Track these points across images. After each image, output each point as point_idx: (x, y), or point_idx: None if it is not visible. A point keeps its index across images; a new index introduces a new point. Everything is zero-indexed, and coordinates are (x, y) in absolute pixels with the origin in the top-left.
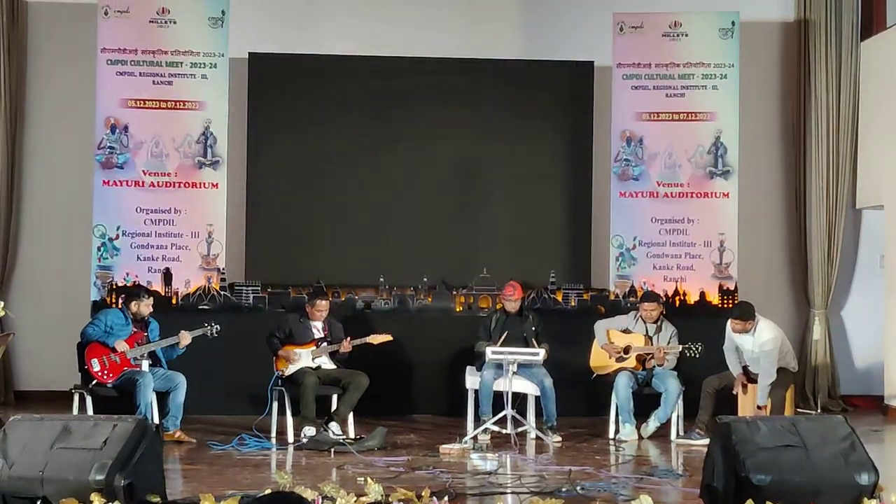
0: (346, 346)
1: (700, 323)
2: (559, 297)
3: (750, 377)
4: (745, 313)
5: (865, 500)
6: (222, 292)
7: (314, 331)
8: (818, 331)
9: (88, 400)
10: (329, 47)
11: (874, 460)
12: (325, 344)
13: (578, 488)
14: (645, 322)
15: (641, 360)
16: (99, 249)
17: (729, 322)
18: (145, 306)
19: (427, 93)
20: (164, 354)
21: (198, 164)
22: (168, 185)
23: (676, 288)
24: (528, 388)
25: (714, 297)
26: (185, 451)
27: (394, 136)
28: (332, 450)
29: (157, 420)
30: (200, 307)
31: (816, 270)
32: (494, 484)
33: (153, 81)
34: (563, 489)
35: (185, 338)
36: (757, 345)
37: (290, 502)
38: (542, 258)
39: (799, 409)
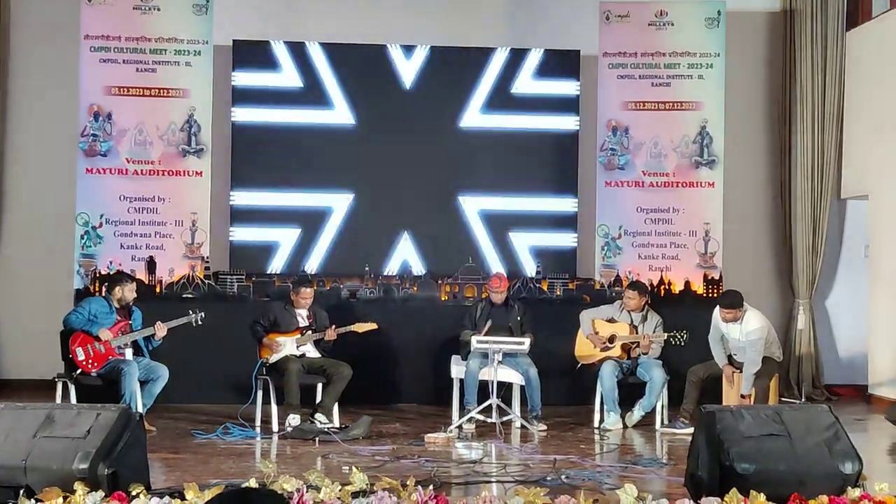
0: (330, 333)
1: (685, 312)
2: (545, 287)
3: (735, 366)
4: (734, 302)
5: (849, 488)
6: (206, 281)
7: (299, 319)
8: (802, 320)
9: (72, 388)
10: (313, 35)
11: (858, 449)
12: (309, 332)
13: (563, 477)
14: (630, 311)
15: (626, 349)
16: (82, 237)
17: (716, 311)
18: (129, 291)
19: (412, 81)
20: (144, 344)
21: (182, 152)
22: (152, 173)
23: (661, 277)
24: (513, 377)
25: (699, 287)
26: (169, 440)
27: (378, 123)
28: (317, 439)
29: (141, 409)
30: (184, 296)
31: (801, 260)
32: (479, 473)
33: (137, 69)
34: (548, 478)
35: (161, 329)
36: (744, 334)
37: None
38: (528, 247)
39: (783, 399)
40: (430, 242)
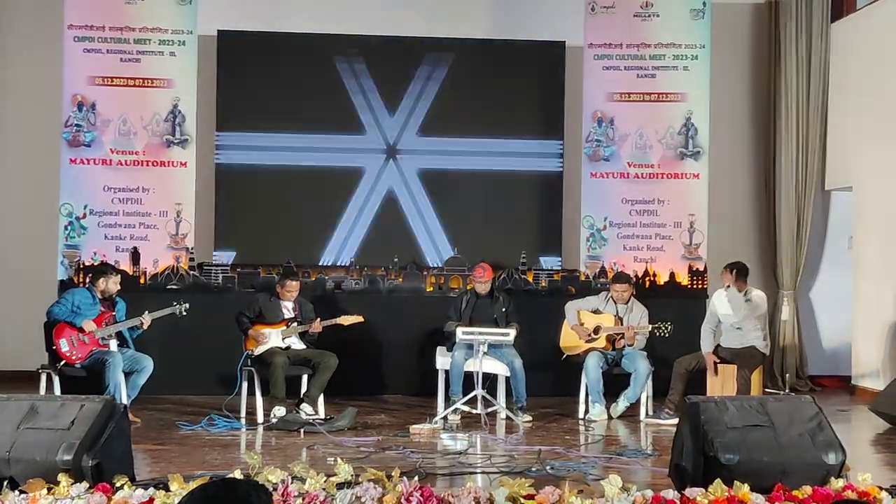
0: (316, 326)
1: (670, 303)
2: (530, 278)
3: (721, 357)
4: (744, 271)
5: (832, 479)
6: (191, 272)
7: (284, 311)
8: (786, 311)
9: (56, 380)
10: (298, 25)
11: (841, 440)
12: (295, 324)
13: (548, 468)
14: (615, 302)
15: (611, 340)
16: (66, 228)
17: (717, 294)
18: (113, 283)
19: (397, 72)
20: (129, 334)
21: (166, 143)
22: (136, 163)
23: (646, 268)
24: (498, 368)
25: (684, 278)
26: (154, 432)
27: (363, 114)
28: (302, 430)
29: (125, 400)
30: (169, 287)
31: (785, 251)
32: (464, 464)
33: (121, 59)
34: (533, 469)
35: (147, 320)
36: (751, 298)
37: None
38: (513, 238)
39: (767, 390)
40: (415, 233)
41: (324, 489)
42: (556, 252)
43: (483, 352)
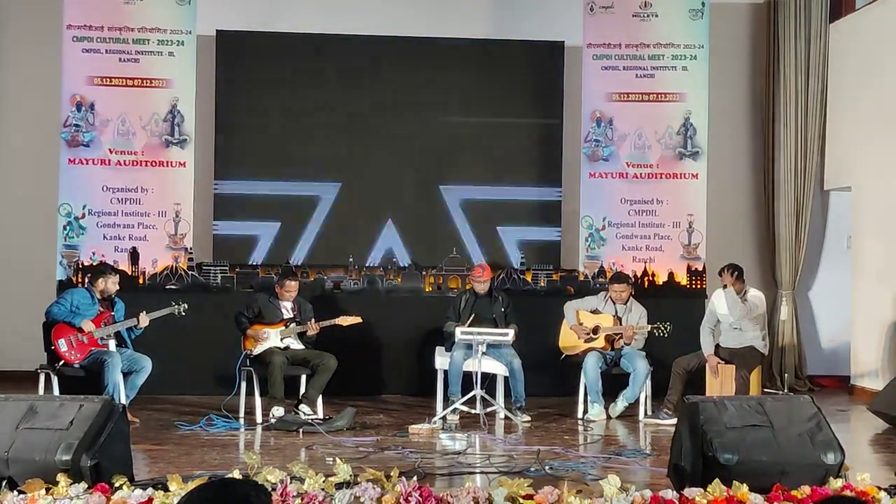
0: (314, 327)
1: (668, 303)
2: (529, 278)
3: (721, 357)
4: (741, 271)
5: (831, 479)
6: (190, 272)
7: (283, 311)
8: (785, 311)
9: (55, 380)
10: (297, 25)
11: (840, 440)
12: (293, 324)
13: (547, 468)
14: (614, 302)
15: (610, 340)
16: (65, 228)
17: (716, 294)
18: (112, 283)
19: (396, 72)
20: (128, 335)
21: (165, 143)
22: (135, 163)
23: (645, 268)
24: (497, 368)
25: (682, 278)
26: (153, 432)
27: (362, 115)
28: (301, 430)
29: (124, 400)
30: (168, 287)
31: (784, 251)
32: (463, 464)
33: (119, 59)
34: (532, 469)
35: (144, 320)
36: (749, 299)
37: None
38: (512, 238)
39: (766, 389)
40: (414, 233)
41: (322, 489)
42: (556, 251)
43: (482, 352)
